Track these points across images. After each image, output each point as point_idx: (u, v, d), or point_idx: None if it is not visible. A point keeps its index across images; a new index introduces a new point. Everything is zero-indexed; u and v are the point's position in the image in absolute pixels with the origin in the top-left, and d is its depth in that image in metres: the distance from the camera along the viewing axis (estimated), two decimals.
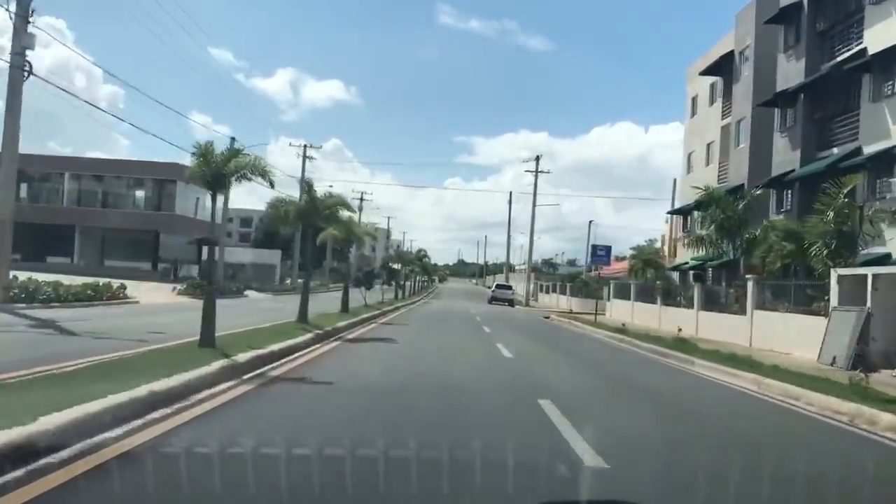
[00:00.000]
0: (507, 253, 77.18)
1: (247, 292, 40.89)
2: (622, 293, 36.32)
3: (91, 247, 53.00)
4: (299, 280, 62.90)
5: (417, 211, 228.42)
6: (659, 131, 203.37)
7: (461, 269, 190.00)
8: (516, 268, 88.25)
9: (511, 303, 54.29)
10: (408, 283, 55.17)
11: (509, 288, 57.87)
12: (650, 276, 40.42)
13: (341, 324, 18.06)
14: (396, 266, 57.93)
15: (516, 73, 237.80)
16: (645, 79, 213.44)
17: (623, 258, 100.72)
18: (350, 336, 16.38)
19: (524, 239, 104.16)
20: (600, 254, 28.81)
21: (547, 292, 61.71)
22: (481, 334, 20.00)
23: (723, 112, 33.88)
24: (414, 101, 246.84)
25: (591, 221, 76.95)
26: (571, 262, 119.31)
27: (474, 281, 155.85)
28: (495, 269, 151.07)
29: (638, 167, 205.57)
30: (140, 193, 54.11)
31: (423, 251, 62.93)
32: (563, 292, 54.99)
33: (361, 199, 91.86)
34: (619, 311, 35.29)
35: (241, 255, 62.23)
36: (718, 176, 33.44)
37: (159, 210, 53.01)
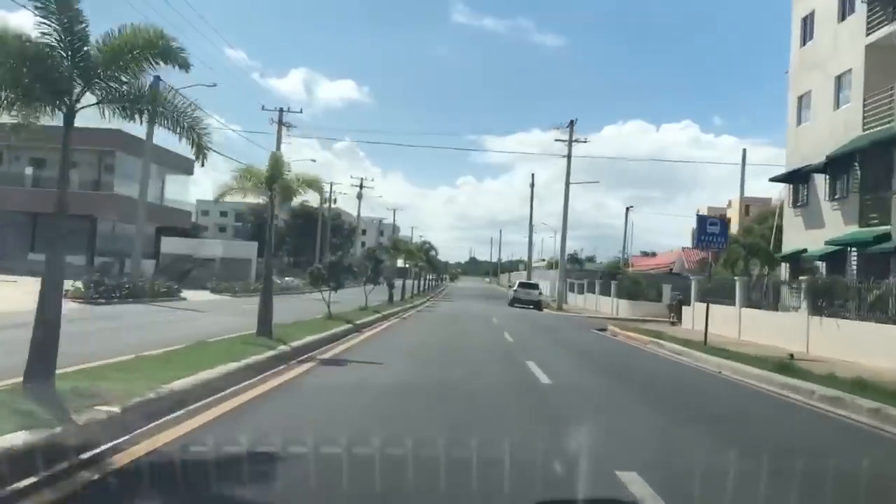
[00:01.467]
0: (528, 243, 66.07)
1: (185, 294, 30.07)
2: (715, 294, 25.09)
3: (14, 236, 42.34)
4: (285, 278, 51.80)
5: (429, 210, 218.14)
6: (670, 130, 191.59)
7: (473, 268, 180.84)
8: (534, 264, 76.94)
9: (538, 305, 43.56)
10: (409, 282, 44.17)
11: (535, 287, 46.78)
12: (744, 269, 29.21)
13: (199, 378, 7.10)
14: (398, 261, 46.82)
15: (528, 72, 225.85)
16: (654, 78, 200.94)
17: (651, 254, 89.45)
18: (172, 434, 5.37)
19: (541, 235, 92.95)
20: (711, 230, 17.42)
21: (580, 292, 50.47)
22: (542, 402, 8.59)
23: (869, 24, 22.60)
24: (426, 100, 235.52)
25: (628, 208, 65.39)
26: (590, 259, 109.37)
27: (487, 279, 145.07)
28: (510, 266, 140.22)
29: (650, 165, 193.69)
30: (74, 169, 43.24)
31: (428, 243, 51.74)
32: (604, 293, 43.72)
33: (361, 187, 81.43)
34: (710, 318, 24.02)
35: (209, 249, 51.60)
36: (864, 117, 22.18)
37: (98, 190, 42.27)
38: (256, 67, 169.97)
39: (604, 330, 25.29)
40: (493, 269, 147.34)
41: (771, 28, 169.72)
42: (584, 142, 42.50)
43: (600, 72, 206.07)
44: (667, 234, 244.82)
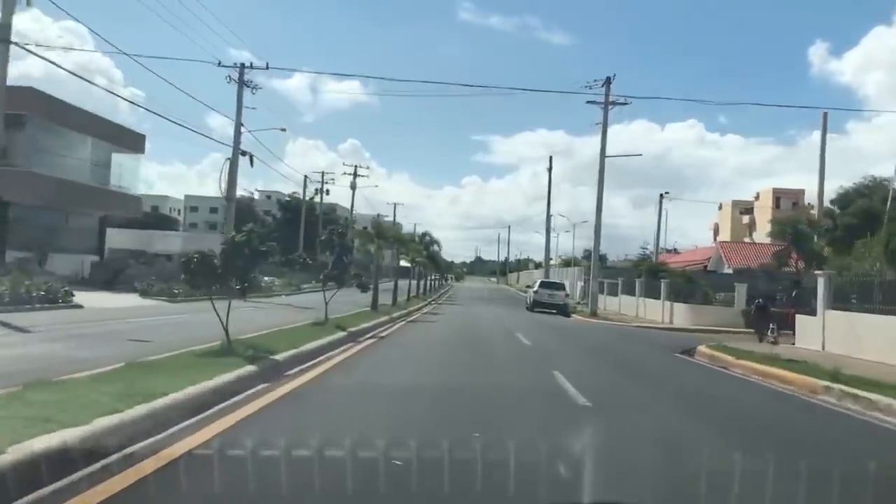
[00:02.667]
0: (546, 236, 57.33)
1: (94, 298, 21.75)
2: (840, 297, 16.47)
3: None
4: (265, 278, 42.92)
5: (435, 210, 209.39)
6: (675, 129, 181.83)
7: (479, 268, 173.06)
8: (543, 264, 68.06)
9: (564, 310, 35.07)
10: (403, 283, 35.50)
11: (560, 288, 38.06)
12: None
13: None
14: (402, 260, 38.05)
15: (534, 71, 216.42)
16: (660, 77, 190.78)
17: (669, 251, 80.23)
18: None
19: (553, 232, 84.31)
20: None
21: (612, 293, 41.71)
22: None
23: None
24: (431, 100, 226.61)
25: (662, 194, 55.81)
26: (602, 258, 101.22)
27: (494, 279, 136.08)
28: (517, 266, 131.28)
29: (656, 165, 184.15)
30: None
31: (428, 235, 42.97)
32: (649, 294, 34.93)
33: (355, 175, 72.72)
34: (857, 336, 15.25)
35: (166, 243, 43.25)
36: None
37: (6, 165, 33.61)
38: (261, 68, 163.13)
39: (690, 353, 16.52)
40: (500, 269, 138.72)
41: (774, 28, 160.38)
42: (624, 104, 33.55)
43: (604, 71, 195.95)
44: (673, 232, 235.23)
